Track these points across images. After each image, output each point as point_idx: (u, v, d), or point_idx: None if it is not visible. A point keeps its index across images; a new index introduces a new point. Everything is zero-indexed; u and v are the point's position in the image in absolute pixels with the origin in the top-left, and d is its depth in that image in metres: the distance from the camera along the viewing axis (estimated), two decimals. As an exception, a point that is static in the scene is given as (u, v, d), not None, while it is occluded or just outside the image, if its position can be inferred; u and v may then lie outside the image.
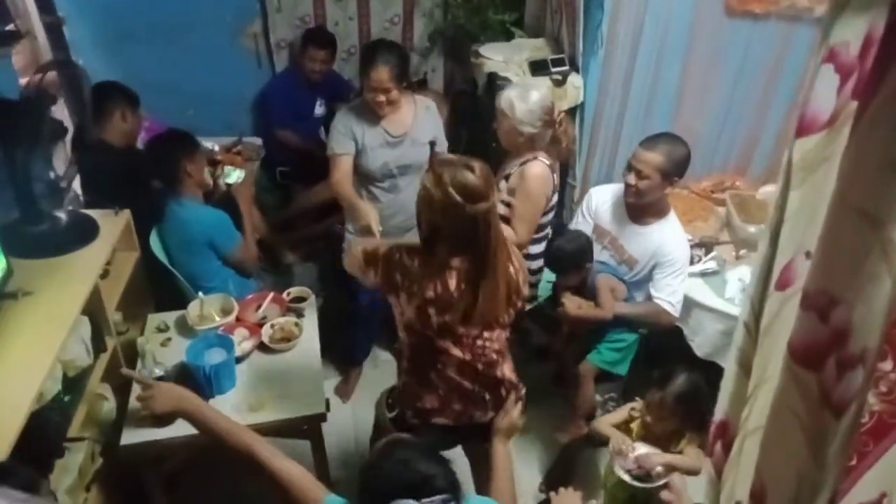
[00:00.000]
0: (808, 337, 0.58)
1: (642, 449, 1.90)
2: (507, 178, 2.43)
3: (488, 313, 1.75)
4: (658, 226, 2.26)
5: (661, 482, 1.82)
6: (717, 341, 2.36)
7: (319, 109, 3.64)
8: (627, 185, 2.26)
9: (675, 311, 2.28)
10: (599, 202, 2.47)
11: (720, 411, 0.80)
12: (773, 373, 0.65)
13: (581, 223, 2.50)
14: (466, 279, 1.70)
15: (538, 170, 2.35)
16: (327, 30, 3.61)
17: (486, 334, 1.81)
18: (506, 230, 1.93)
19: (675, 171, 2.22)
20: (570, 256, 2.32)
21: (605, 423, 2.10)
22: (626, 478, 1.89)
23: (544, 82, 2.78)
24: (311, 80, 3.53)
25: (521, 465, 2.45)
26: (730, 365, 0.78)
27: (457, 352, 1.80)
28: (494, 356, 1.86)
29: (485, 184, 1.63)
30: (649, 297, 2.33)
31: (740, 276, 2.41)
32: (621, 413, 2.08)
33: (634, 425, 2.02)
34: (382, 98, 2.36)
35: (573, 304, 2.30)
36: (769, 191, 2.83)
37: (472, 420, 1.89)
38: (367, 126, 2.47)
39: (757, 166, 3.06)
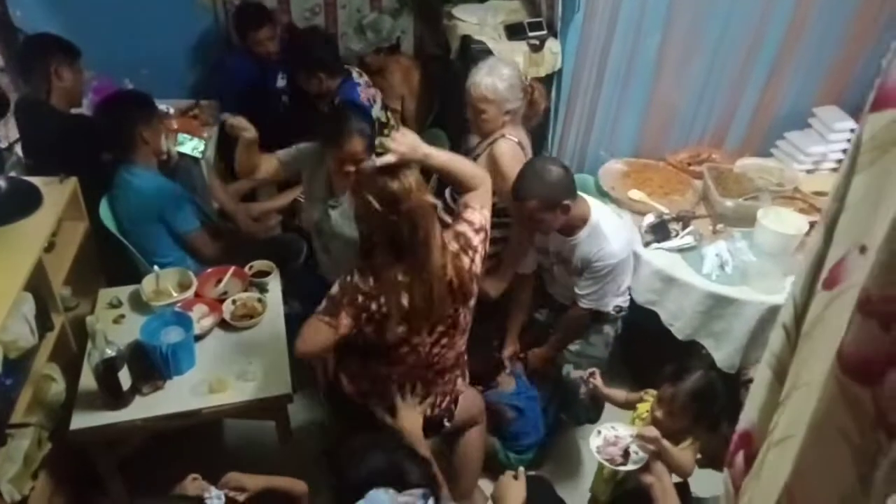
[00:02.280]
0: (865, 347, 0.50)
1: (623, 430, 1.85)
2: (474, 159, 2.35)
3: (426, 315, 1.72)
4: (586, 232, 2.14)
5: (635, 465, 1.79)
6: (696, 321, 2.31)
7: (281, 82, 3.40)
8: None
9: (589, 305, 2.25)
10: None
11: (745, 420, 0.72)
12: (808, 379, 0.58)
13: None
14: (410, 285, 1.68)
15: (507, 147, 2.28)
16: (254, 3, 3.30)
17: (443, 341, 1.81)
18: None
19: (560, 195, 2.04)
20: None
21: (616, 393, 2.10)
22: (597, 456, 1.84)
23: (519, 47, 2.67)
24: (269, 60, 3.27)
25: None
26: (762, 372, 0.70)
27: (411, 358, 1.81)
28: (449, 364, 1.87)
29: (403, 187, 1.61)
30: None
31: (718, 251, 2.37)
32: (636, 394, 2.04)
33: (641, 407, 1.98)
34: (352, 169, 2.14)
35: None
36: (747, 164, 2.79)
37: None
38: (318, 173, 2.30)
39: (733, 139, 3.01)
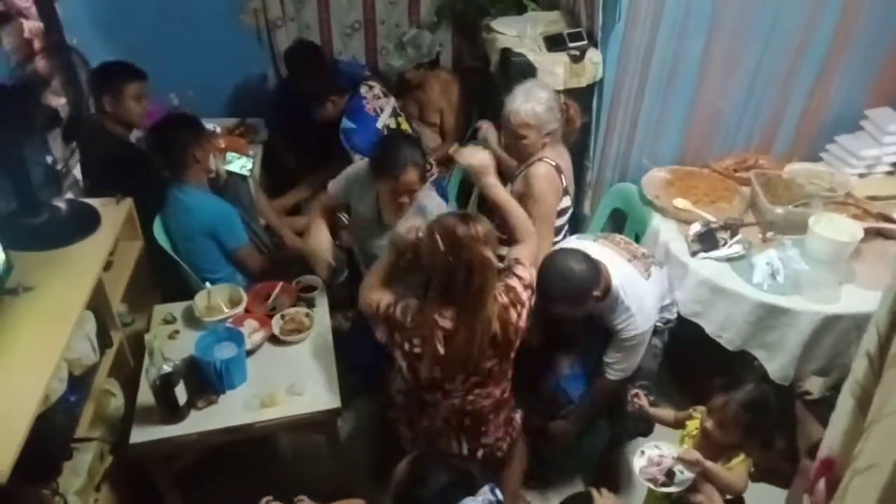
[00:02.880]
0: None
1: (668, 449, 1.82)
2: (511, 182, 2.38)
3: (462, 364, 1.76)
4: (607, 303, 2.09)
5: (679, 487, 1.76)
6: (746, 332, 2.26)
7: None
8: None
9: (618, 376, 2.20)
10: None
11: (826, 447, 0.71)
12: (893, 409, 0.56)
13: None
14: (453, 331, 1.71)
15: (543, 170, 2.31)
16: (307, 43, 3.31)
17: (476, 391, 1.83)
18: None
19: (587, 290, 1.98)
20: None
21: (664, 412, 2.09)
22: (639, 477, 1.82)
23: (559, 58, 2.67)
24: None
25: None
26: (844, 399, 0.69)
27: (446, 403, 1.85)
28: (486, 411, 1.89)
29: (471, 235, 1.65)
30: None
31: (768, 260, 2.31)
32: (685, 412, 2.02)
33: (690, 424, 1.95)
34: (407, 200, 2.19)
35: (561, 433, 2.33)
36: (796, 169, 2.72)
37: None
38: (367, 196, 2.36)
39: (781, 144, 2.94)
